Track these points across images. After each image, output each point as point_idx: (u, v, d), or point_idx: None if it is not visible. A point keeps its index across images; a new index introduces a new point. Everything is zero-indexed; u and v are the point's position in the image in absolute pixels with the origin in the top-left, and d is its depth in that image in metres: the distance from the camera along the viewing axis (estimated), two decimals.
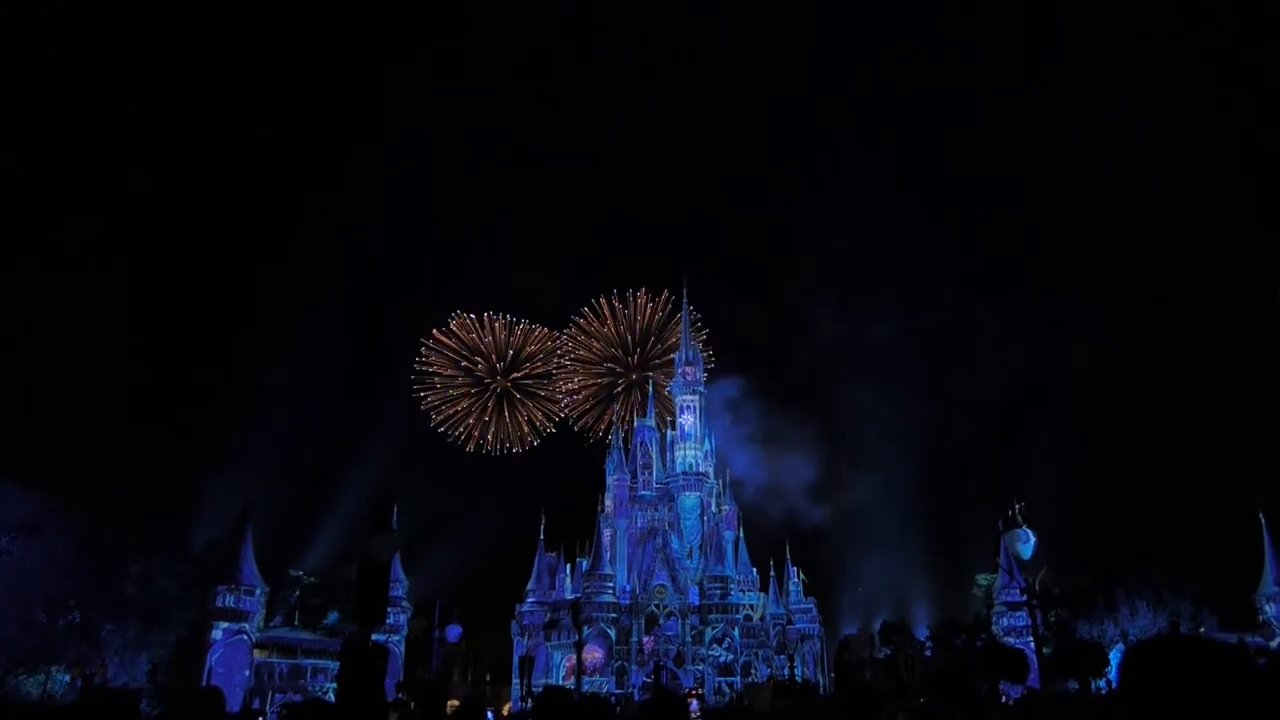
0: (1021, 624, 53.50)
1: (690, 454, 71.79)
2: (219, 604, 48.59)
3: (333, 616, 52.43)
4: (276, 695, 45.58)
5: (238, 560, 50.03)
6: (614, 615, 60.60)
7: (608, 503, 70.04)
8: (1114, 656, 52.28)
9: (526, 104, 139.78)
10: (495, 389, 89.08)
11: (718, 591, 62.24)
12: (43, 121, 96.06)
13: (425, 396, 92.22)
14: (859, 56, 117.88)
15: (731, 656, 60.98)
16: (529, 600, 66.03)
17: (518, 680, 58.96)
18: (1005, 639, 55.29)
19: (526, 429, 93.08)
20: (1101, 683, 46.24)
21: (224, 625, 48.59)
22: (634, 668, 58.86)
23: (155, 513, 46.12)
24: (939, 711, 4.31)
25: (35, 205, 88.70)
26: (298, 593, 54.07)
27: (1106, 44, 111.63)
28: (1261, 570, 57.24)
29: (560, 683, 54.46)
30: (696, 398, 73.90)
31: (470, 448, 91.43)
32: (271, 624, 51.61)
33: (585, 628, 60.58)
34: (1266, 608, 55.83)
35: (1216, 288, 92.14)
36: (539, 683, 53.05)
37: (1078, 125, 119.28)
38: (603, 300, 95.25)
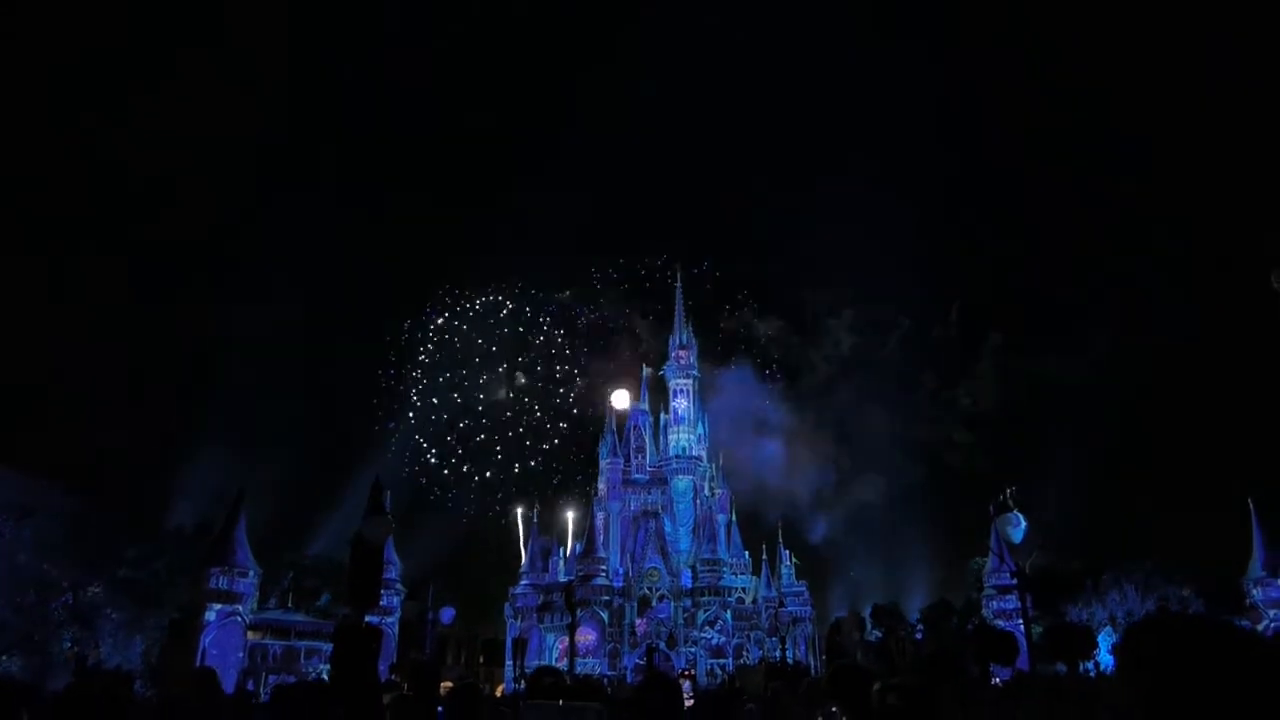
0: (1011, 607, 53.91)
1: (683, 437, 71.88)
2: (212, 586, 48.58)
3: (325, 598, 52.56)
4: (270, 677, 45.70)
5: (231, 542, 50.00)
6: (606, 598, 60.84)
7: (601, 486, 70.14)
8: (1102, 640, 52.80)
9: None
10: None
11: (710, 574, 62.48)
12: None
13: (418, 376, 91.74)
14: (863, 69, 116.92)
15: (723, 639, 61.31)
16: (522, 583, 66.26)
17: (511, 662, 59.27)
18: (995, 622, 55.73)
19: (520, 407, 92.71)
20: (1089, 664, 46.74)
21: (217, 607, 48.61)
22: (626, 650, 59.16)
23: (148, 495, 46.06)
24: (928, 692, 4.31)
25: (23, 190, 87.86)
26: (292, 575, 54.14)
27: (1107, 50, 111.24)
28: (1249, 555, 57.77)
29: (553, 665, 54.75)
30: (690, 381, 73.90)
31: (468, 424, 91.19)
32: (265, 606, 51.69)
33: (578, 610, 60.93)
34: (1254, 592, 56.32)
35: (1210, 275, 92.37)
36: (532, 664, 53.31)
37: (1076, 126, 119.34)
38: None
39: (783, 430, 79.37)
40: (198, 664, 41.82)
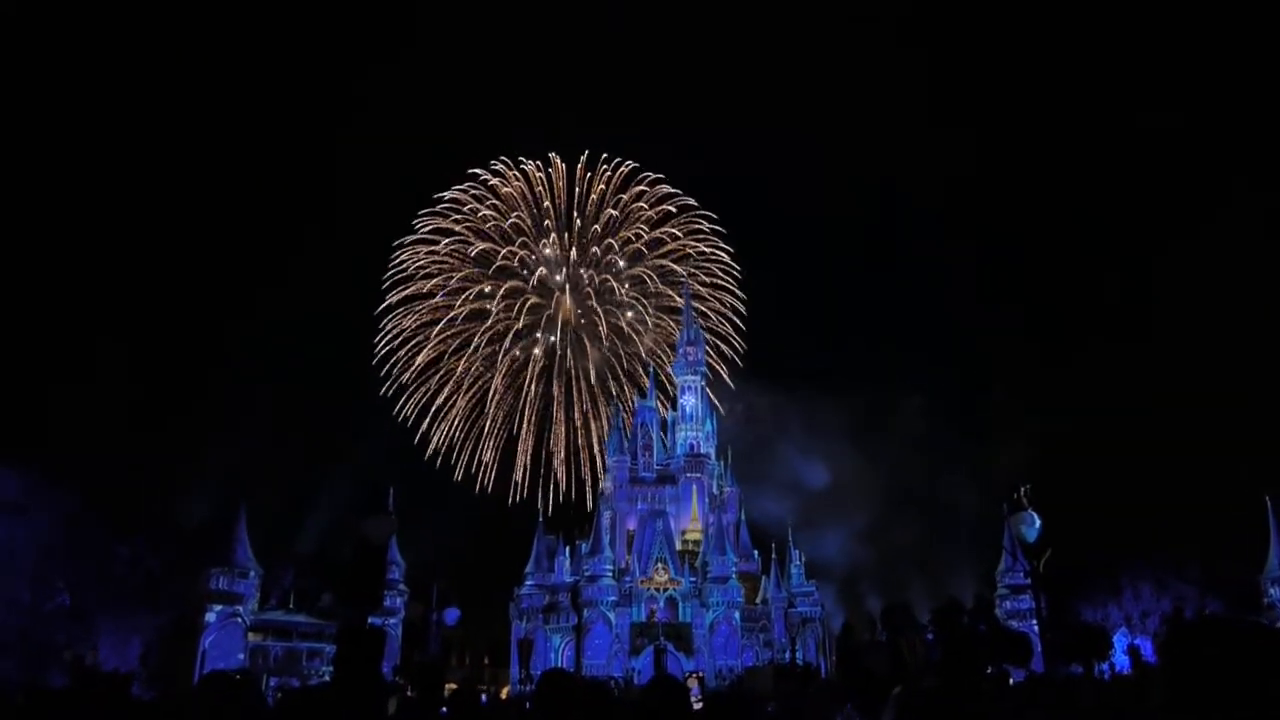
0: (1025, 607, 53.11)
1: (691, 435, 71.10)
2: (212, 586, 48.02)
3: (327, 598, 51.84)
4: (272, 679, 45.02)
5: (231, 542, 49.43)
6: (613, 598, 60.06)
7: (607, 484, 69.40)
8: (1118, 640, 51.95)
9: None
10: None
11: (718, 574, 61.70)
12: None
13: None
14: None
15: (732, 639, 60.51)
16: (527, 583, 65.46)
17: (516, 664, 58.48)
18: (1009, 622, 54.91)
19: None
20: (1104, 665, 45.86)
21: (217, 608, 48.03)
22: (633, 651, 58.34)
23: (144, 493, 45.35)
24: (950, 697, 3.76)
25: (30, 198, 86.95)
26: (293, 575, 53.44)
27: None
28: (1266, 553, 56.93)
29: (560, 667, 53.96)
30: (698, 378, 73.15)
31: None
32: (267, 606, 51.04)
33: (585, 611, 60.16)
34: (1271, 590, 55.51)
35: (1219, 274, 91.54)
36: (538, 666, 52.58)
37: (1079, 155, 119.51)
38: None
39: (804, 443, 78.37)
40: (197, 665, 41.18)
